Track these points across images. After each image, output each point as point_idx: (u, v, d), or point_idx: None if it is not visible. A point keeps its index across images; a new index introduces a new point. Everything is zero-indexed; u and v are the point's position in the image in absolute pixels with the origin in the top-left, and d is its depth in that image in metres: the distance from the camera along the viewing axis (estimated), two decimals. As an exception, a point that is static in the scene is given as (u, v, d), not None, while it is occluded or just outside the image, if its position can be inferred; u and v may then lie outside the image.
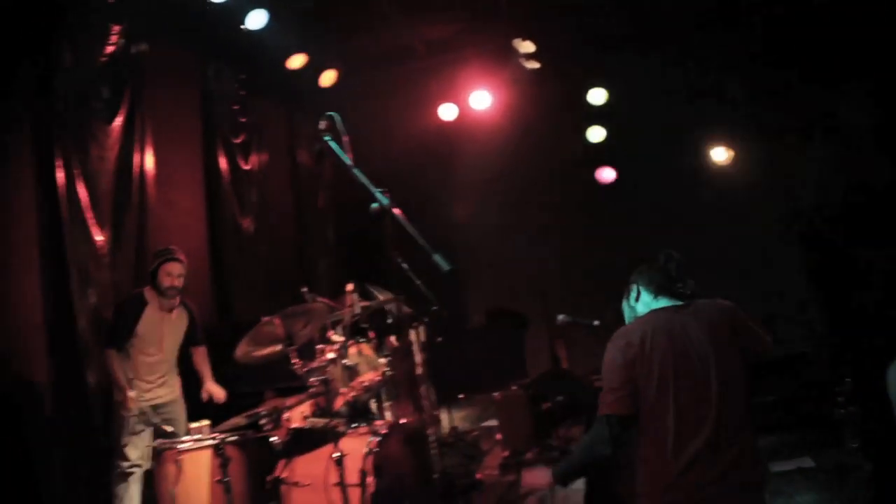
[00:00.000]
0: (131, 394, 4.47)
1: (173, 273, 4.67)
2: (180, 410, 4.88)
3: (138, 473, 4.51)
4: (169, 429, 4.37)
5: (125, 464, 4.49)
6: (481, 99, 8.70)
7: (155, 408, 4.66)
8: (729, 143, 8.93)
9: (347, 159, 3.07)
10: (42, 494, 4.41)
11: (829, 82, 7.59)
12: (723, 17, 7.77)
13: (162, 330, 4.73)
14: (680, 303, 2.72)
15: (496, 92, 8.69)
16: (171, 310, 4.79)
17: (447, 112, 8.95)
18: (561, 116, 9.08)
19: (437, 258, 2.73)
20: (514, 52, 8.27)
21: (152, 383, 4.70)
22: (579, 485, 4.81)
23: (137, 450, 4.51)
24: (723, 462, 2.46)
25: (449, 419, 6.82)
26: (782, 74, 7.82)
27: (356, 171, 2.99)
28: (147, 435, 4.56)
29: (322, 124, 3.20)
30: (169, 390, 4.83)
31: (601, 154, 9.19)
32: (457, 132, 9.12)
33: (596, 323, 3.81)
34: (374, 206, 2.88)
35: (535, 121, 8.89)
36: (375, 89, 8.23)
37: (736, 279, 7.40)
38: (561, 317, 4.09)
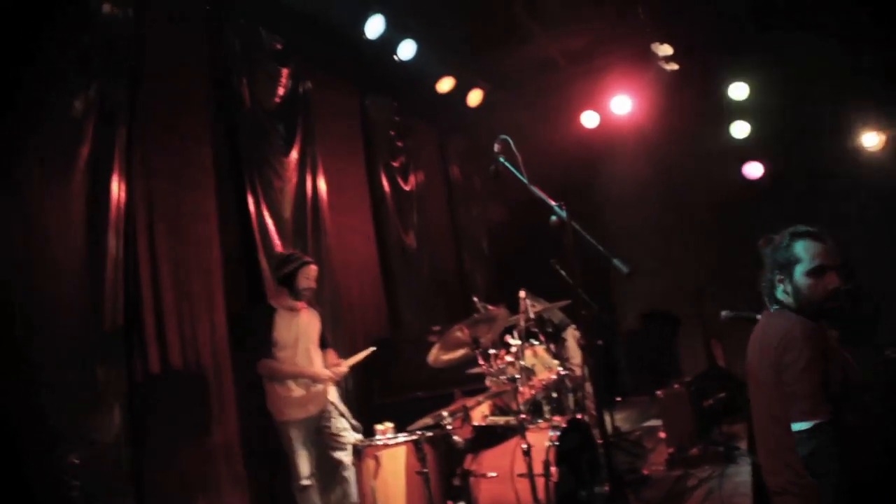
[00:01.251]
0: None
1: (311, 276, 4.91)
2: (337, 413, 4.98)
3: (315, 485, 4.71)
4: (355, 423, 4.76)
5: (303, 480, 4.64)
6: (622, 104, 8.86)
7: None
8: (881, 127, 8.70)
9: (523, 178, 3.39)
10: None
11: None
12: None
13: (296, 332, 4.85)
14: None
15: (636, 96, 8.83)
16: (298, 310, 4.93)
17: (590, 119, 9.16)
18: (703, 115, 9.12)
19: (617, 262, 3.01)
20: (653, 56, 8.39)
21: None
22: (745, 476, 4.94)
23: (308, 462, 4.68)
24: None
25: (610, 420, 7.00)
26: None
27: (533, 189, 3.30)
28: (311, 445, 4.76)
29: (496, 146, 3.54)
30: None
31: (747, 149, 9.14)
32: (600, 138, 9.32)
33: (759, 317, 3.87)
34: (553, 218, 3.17)
35: (677, 122, 8.97)
36: (519, 104, 8.56)
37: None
38: (724, 313, 4.20)
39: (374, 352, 5.09)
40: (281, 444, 4.74)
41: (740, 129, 9.20)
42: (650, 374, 8.11)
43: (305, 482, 4.65)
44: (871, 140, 8.79)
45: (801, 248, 2.60)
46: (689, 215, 9.27)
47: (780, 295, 2.66)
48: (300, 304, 4.90)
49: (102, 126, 4.28)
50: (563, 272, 5.81)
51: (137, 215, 4.52)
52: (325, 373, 4.80)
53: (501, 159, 3.53)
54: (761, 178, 9.08)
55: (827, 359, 2.48)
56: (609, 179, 10.10)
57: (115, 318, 4.22)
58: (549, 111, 9.03)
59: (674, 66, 8.50)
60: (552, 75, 8.62)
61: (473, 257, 8.73)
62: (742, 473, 5.10)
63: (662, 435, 6.07)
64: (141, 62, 4.63)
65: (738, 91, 8.95)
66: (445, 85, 7.44)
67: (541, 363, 4.72)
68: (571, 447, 4.16)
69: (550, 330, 6.00)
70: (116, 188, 4.32)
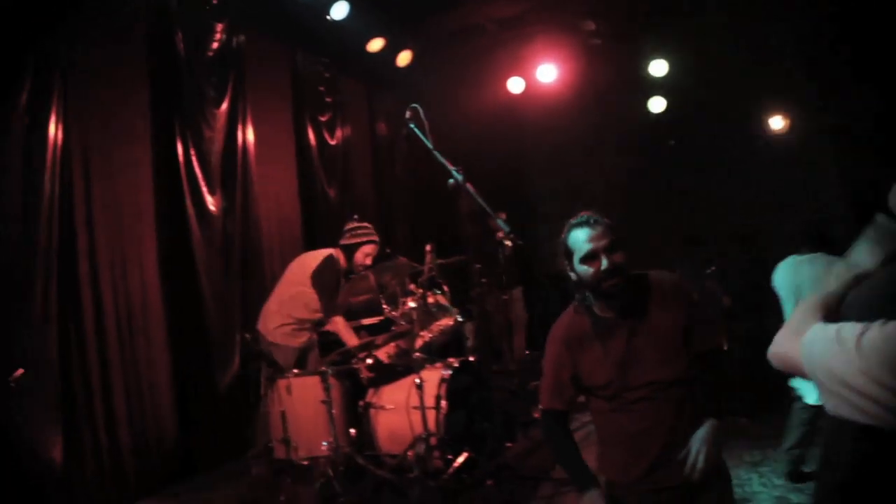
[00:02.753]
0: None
1: (370, 254, 5.25)
2: None
3: None
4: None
5: None
6: (548, 73, 9.26)
7: None
8: (786, 112, 9.32)
9: (429, 143, 3.78)
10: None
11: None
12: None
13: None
14: None
15: (562, 66, 9.24)
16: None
17: (515, 85, 9.55)
18: (624, 88, 9.59)
19: (500, 223, 3.43)
20: (577, 29, 8.79)
21: None
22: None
23: None
24: None
25: (514, 370, 7.51)
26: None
27: (436, 154, 3.69)
28: None
29: (407, 113, 3.92)
30: None
31: (662, 123, 9.68)
32: (525, 104, 9.73)
33: None
34: (451, 181, 3.57)
35: (600, 93, 9.44)
36: (448, 66, 8.88)
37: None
38: None
39: None
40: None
41: (657, 104, 9.73)
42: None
43: None
44: (776, 123, 9.42)
45: (573, 239, 2.68)
46: (607, 182, 9.79)
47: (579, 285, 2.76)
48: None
49: (40, 76, 4.52)
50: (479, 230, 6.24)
51: (74, 161, 4.80)
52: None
53: (412, 125, 3.90)
54: (671, 149, 9.64)
55: (572, 353, 2.69)
56: (533, 145, 10.57)
57: (49, 257, 4.54)
58: (477, 75, 9.35)
59: (597, 41, 8.95)
60: (481, 40, 8.90)
61: (394, 213, 9.08)
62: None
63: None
64: (79, 14, 4.84)
65: (658, 68, 9.44)
66: (376, 45, 7.69)
67: (440, 310, 5.18)
68: (464, 386, 4.66)
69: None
70: (53, 135, 4.59)
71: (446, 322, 5.11)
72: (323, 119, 7.75)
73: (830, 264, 4.37)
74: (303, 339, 5.18)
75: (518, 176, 10.34)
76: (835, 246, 4.67)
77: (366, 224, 5.42)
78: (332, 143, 7.86)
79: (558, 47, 9.13)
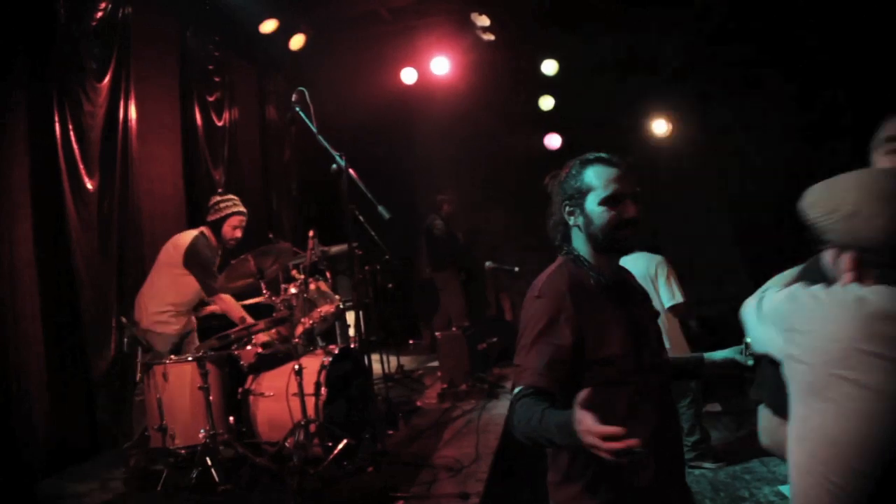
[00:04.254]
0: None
1: (239, 226, 5.17)
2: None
3: None
4: None
5: None
6: (441, 65, 9.29)
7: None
8: (669, 116, 9.69)
9: (313, 127, 3.75)
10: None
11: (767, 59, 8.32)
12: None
13: None
14: None
15: (455, 59, 9.30)
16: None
17: (408, 76, 9.56)
18: (515, 85, 9.76)
19: (381, 209, 3.42)
20: (471, 24, 8.87)
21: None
22: (502, 410, 5.67)
23: None
24: None
25: (398, 360, 7.57)
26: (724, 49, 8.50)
27: (320, 138, 3.66)
28: None
29: (293, 96, 3.87)
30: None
31: (551, 121, 9.91)
32: (417, 95, 9.75)
33: (517, 269, 4.41)
34: (333, 166, 3.54)
35: (492, 88, 9.56)
36: (342, 53, 8.81)
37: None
38: (488, 263, 4.70)
39: None
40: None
41: (547, 103, 9.95)
42: (441, 321, 8.72)
43: None
44: (660, 127, 9.79)
45: (593, 175, 2.30)
46: (495, 177, 9.94)
47: (573, 234, 2.38)
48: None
49: None
50: (360, 217, 6.25)
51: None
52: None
53: (297, 108, 3.86)
54: (559, 150, 9.88)
55: (579, 311, 2.19)
56: (424, 136, 10.59)
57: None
58: (371, 63, 9.32)
59: (490, 37, 9.05)
60: (376, 28, 8.89)
61: (281, 198, 8.96)
62: (500, 408, 5.81)
63: (440, 373, 6.70)
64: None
65: (549, 67, 9.64)
66: (268, 26, 7.55)
67: (322, 297, 5.15)
68: (344, 373, 4.65)
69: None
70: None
71: (327, 309, 5.07)
72: (211, 99, 7.56)
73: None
74: (179, 324, 5.04)
75: (406, 166, 10.32)
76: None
77: (230, 196, 5.29)
78: (220, 124, 7.67)
79: (453, 40, 9.18)
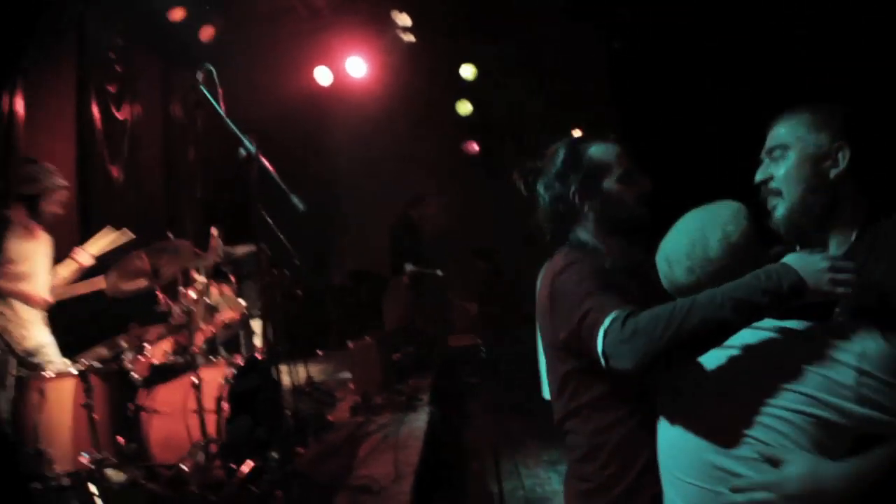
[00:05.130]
0: None
1: (62, 201, 4.56)
2: None
3: None
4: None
5: None
6: (358, 66, 8.97)
7: None
8: (586, 130, 9.58)
9: (221, 110, 3.34)
10: None
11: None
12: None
13: (27, 254, 4.33)
14: None
15: (372, 60, 8.98)
16: (33, 232, 4.42)
17: (323, 76, 9.17)
18: (434, 89, 9.51)
19: (295, 199, 3.03)
20: (391, 23, 8.59)
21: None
22: (421, 423, 5.33)
23: None
24: None
25: (306, 371, 7.15)
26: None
27: (228, 122, 3.25)
28: None
29: (199, 75, 3.46)
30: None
31: (469, 127, 9.71)
32: (333, 96, 9.36)
33: (439, 273, 4.16)
34: (242, 152, 3.13)
35: (408, 91, 9.27)
36: (254, 47, 8.33)
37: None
38: (408, 267, 4.39)
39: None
40: None
41: (465, 107, 9.75)
42: (353, 330, 8.35)
43: None
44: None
45: (602, 154, 2.18)
46: (413, 182, 9.64)
47: (582, 221, 2.19)
48: (36, 227, 4.39)
49: None
50: (269, 219, 5.86)
51: None
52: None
53: (202, 87, 3.45)
54: (477, 155, 9.70)
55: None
56: (340, 139, 10.19)
57: None
58: (285, 60, 8.87)
59: (411, 38, 8.78)
60: (291, 24, 8.47)
61: (184, 198, 8.40)
62: (419, 421, 5.47)
63: (353, 385, 6.33)
64: None
65: (467, 72, 9.45)
66: (177, 14, 7.08)
67: (225, 302, 4.71)
68: (249, 387, 4.23)
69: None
70: None
71: (231, 316, 4.64)
72: (111, 90, 6.95)
73: None
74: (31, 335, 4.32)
75: (319, 170, 9.87)
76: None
77: (47, 165, 4.70)
78: (120, 116, 7.08)
79: (371, 40, 8.88)
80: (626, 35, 8.38)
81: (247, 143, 3.11)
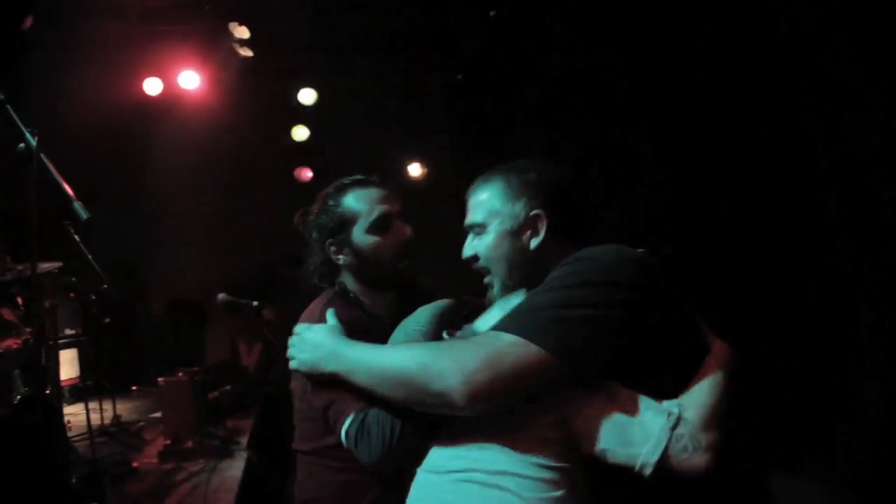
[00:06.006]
0: None
1: None
2: None
3: None
4: None
5: None
6: (190, 79, 8.37)
7: None
8: (424, 160, 9.44)
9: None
10: None
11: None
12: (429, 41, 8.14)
13: None
14: None
15: (206, 74, 8.42)
16: None
17: (152, 87, 8.48)
18: (269, 110, 9.02)
19: (76, 206, 2.51)
20: (228, 36, 8.09)
21: None
22: (236, 471, 4.78)
23: None
24: None
25: (113, 409, 6.40)
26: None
27: (8, 108, 2.66)
28: None
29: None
30: None
31: (304, 153, 9.29)
32: (162, 108, 8.65)
33: (255, 304, 3.73)
34: (21, 146, 2.58)
35: (243, 111, 8.72)
36: (75, 49, 7.55)
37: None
38: (221, 295, 3.94)
39: None
40: None
41: (301, 133, 9.32)
42: (170, 364, 7.65)
43: None
44: (414, 170, 9.54)
45: (354, 200, 2.12)
46: (237, 208, 9.04)
47: (343, 275, 2.19)
48: None
49: None
50: (76, 237, 5.21)
51: None
52: None
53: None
54: (310, 182, 9.29)
55: None
56: (163, 155, 9.39)
57: None
58: (112, 66, 8.09)
59: (248, 52, 8.30)
60: (119, 27, 7.75)
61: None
62: (234, 468, 4.93)
63: (163, 427, 5.67)
64: None
65: (307, 96, 9.06)
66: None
67: (4, 328, 4.02)
68: (29, 427, 3.58)
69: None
70: None
71: (9, 344, 3.94)
72: None
73: None
74: None
75: (139, 188, 9.05)
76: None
77: None
78: None
79: (206, 53, 8.32)
80: (469, 65, 8.30)
81: (28, 136, 2.55)
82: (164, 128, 8.77)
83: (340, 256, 2.13)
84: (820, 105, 4.12)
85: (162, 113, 8.61)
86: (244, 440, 5.47)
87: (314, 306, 2.09)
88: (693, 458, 1.53)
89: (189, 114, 8.63)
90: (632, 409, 1.58)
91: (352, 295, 2.13)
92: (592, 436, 1.60)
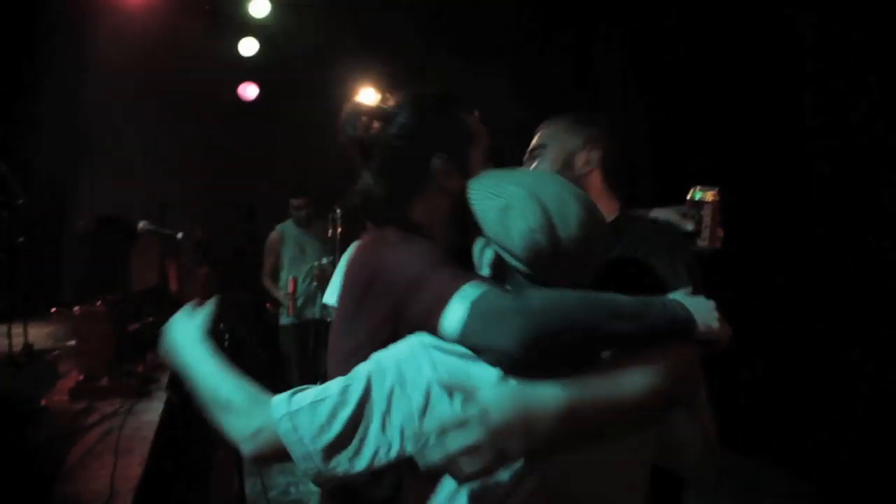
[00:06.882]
0: None
1: None
2: None
3: None
4: None
5: None
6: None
7: None
8: (380, 88, 8.95)
9: None
10: None
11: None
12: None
13: None
14: None
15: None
16: None
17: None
18: (216, 22, 8.44)
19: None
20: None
21: None
22: (153, 415, 4.40)
23: None
24: None
25: (25, 334, 5.91)
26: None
27: None
28: None
29: None
30: None
31: (250, 68, 8.73)
32: (87, 8, 7.97)
33: (179, 235, 3.39)
34: None
35: (185, 22, 8.13)
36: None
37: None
38: (142, 223, 3.55)
39: None
40: None
41: (248, 47, 8.74)
42: (94, 286, 7.18)
43: None
44: (368, 97, 9.04)
45: (468, 121, 1.80)
46: (177, 124, 8.49)
47: (425, 198, 1.77)
48: None
49: None
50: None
51: None
52: None
53: None
54: (255, 100, 8.77)
55: None
56: (101, 64, 8.71)
57: None
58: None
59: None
60: None
61: None
62: (152, 411, 4.51)
63: (76, 360, 5.22)
64: None
65: (259, 8, 8.50)
66: None
67: None
68: None
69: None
70: None
71: None
72: None
73: None
74: None
75: (69, 106, 8.39)
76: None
77: None
78: None
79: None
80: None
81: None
82: (102, 34, 8.13)
83: (443, 177, 1.73)
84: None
85: (88, 11, 7.97)
86: (164, 378, 5.08)
87: (385, 236, 1.71)
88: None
89: (132, 15, 8.00)
90: None
91: (424, 231, 1.72)
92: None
